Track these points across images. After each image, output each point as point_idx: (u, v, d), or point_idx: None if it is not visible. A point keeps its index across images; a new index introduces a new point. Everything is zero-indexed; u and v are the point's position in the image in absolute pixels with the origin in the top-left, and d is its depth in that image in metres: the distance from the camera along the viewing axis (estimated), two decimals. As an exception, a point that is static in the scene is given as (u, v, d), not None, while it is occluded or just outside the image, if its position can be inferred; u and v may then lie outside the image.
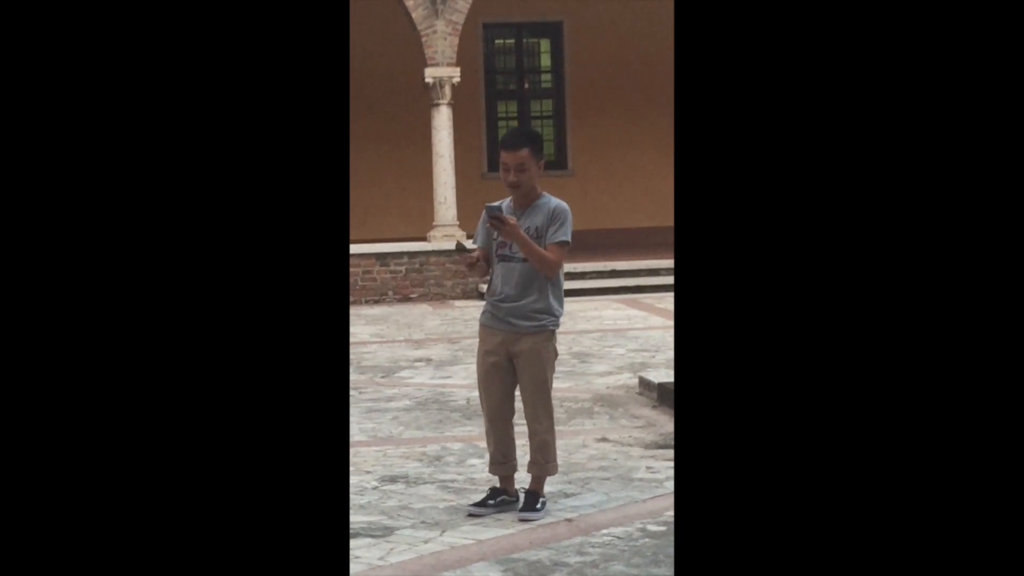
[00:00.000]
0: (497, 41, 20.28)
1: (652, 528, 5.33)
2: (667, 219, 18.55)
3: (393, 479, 6.41)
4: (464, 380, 9.50)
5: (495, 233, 5.57)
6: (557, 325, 5.67)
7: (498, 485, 5.77)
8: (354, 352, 11.49)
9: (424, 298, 16.24)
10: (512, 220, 5.46)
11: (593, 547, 5.09)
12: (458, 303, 15.75)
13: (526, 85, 20.44)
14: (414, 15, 16.17)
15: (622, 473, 6.37)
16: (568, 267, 12.09)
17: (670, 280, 14.54)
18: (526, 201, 5.62)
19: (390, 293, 16.29)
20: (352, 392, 9.25)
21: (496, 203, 5.64)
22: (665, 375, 8.56)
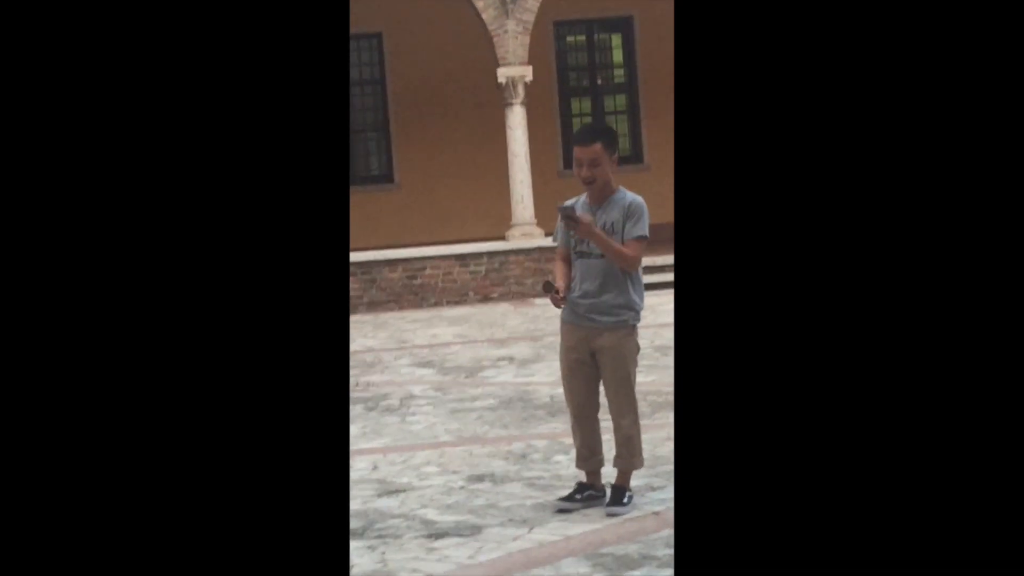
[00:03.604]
0: (568, 38, 20.26)
1: (740, 519, 5.31)
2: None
3: (480, 478, 6.44)
4: (547, 377, 9.52)
5: (572, 231, 5.59)
6: (638, 319, 5.67)
7: (585, 480, 5.78)
8: (437, 353, 11.56)
9: (505, 297, 16.28)
10: (587, 218, 5.47)
11: (682, 540, 5.08)
12: (539, 301, 15.75)
13: (599, 81, 20.41)
14: (484, 16, 16.21)
15: (708, 465, 6.36)
16: (647, 261, 12.02)
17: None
18: (601, 196, 5.62)
19: (471, 294, 16.34)
20: (436, 393, 9.32)
21: (570, 201, 5.67)
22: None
